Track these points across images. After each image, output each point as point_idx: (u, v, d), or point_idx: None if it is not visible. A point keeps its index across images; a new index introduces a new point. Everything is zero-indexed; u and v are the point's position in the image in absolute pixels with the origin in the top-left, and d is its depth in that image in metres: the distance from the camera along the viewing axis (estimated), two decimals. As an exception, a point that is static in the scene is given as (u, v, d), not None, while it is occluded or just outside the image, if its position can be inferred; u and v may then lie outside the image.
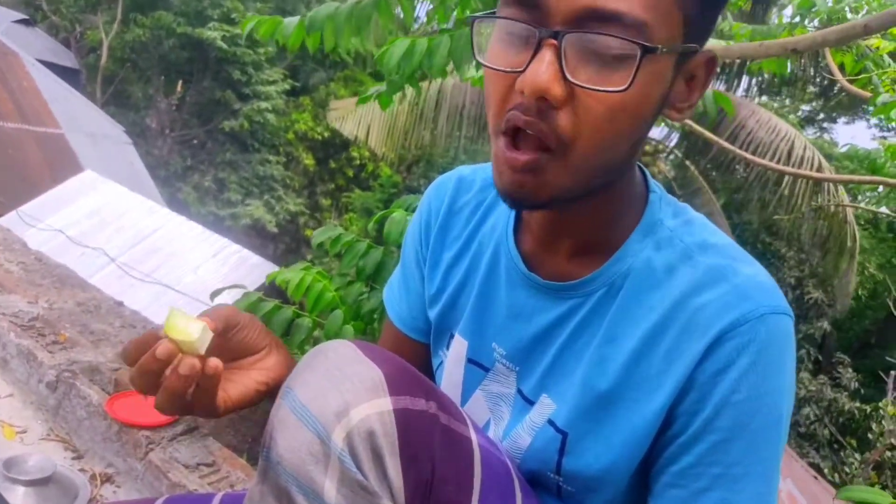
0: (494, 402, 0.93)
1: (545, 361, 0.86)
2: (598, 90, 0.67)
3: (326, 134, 18.15)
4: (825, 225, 7.84)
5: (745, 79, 9.21)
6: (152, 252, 7.92)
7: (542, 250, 0.88)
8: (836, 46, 3.31)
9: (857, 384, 9.52)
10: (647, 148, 8.85)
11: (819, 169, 7.37)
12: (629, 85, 0.66)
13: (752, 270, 0.79)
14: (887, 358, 8.98)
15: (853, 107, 13.71)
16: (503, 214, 0.94)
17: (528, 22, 0.68)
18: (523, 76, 0.68)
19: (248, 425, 2.11)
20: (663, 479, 0.78)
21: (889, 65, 3.59)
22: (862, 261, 9.79)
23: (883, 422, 8.41)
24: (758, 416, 0.74)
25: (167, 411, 0.81)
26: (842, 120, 15.36)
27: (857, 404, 9.29)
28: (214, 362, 0.78)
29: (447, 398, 0.82)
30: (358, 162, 19.13)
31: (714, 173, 9.02)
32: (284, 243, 18.34)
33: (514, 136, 0.72)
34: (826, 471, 8.90)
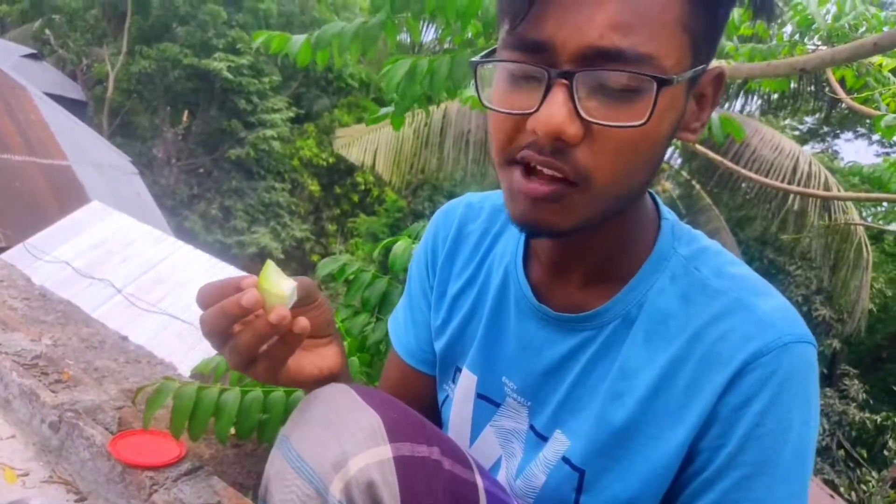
0: (506, 439, 0.90)
1: (558, 396, 0.83)
2: (616, 126, 0.65)
3: (331, 160, 18.24)
4: (835, 241, 7.78)
5: (741, 96, 9.22)
6: (159, 282, 7.92)
7: (553, 280, 0.85)
8: (846, 64, 3.30)
9: (864, 395, 9.41)
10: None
11: (826, 185, 7.34)
12: (648, 118, 0.64)
13: (772, 299, 0.76)
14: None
15: (856, 122, 13.69)
16: (511, 243, 0.92)
17: (534, 63, 0.66)
18: (536, 117, 0.66)
19: (254, 461, 2.08)
20: None
21: (891, 81, 3.58)
22: (872, 276, 9.72)
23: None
24: (784, 450, 0.71)
25: (235, 360, 0.73)
26: (845, 136, 15.33)
27: (868, 415, 9.17)
28: (304, 321, 0.72)
29: (451, 442, 0.80)
30: (363, 187, 19.20)
31: (718, 190, 9.00)
32: (291, 269, 18.35)
33: (528, 166, 0.70)
34: (842, 489, 8.77)
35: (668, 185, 9.51)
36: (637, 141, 0.66)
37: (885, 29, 3.46)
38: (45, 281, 6.05)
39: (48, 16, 17.81)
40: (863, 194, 4.63)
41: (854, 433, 9.08)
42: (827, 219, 7.55)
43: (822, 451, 9.08)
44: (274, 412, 1.76)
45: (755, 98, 9.37)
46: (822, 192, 6.69)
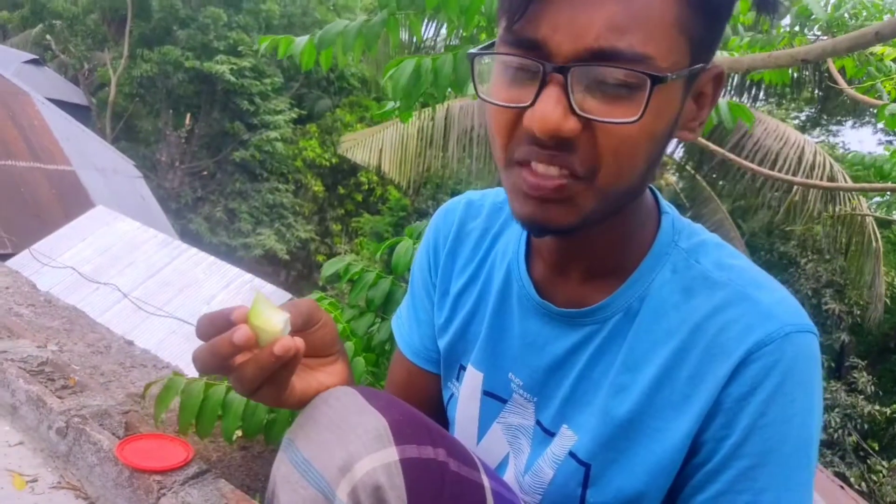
0: (513, 435, 0.90)
1: (563, 391, 0.83)
2: (610, 122, 0.65)
3: (334, 160, 18.26)
4: (844, 231, 7.75)
5: (742, 88, 9.18)
6: (165, 285, 7.95)
7: (555, 276, 0.85)
8: (848, 54, 3.28)
9: (873, 387, 9.37)
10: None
11: (832, 175, 7.30)
12: (641, 115, 0.64)
13: (773, 290, 0.77)
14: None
15: (858, 111, 13.62)
16: (513, 240, 0.92)
17: (532, 59, 0.66)
18: (532, 113, 0.66)
19: (260, 464, 2.09)
20: None
21: (893, 70, 3.56)
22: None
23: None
24: (787, 440, 0.71)
25: (240, 390, 0.74)
26: (848, 124, 15.26)
27: (878, 407, 9.13)
28: (299, 344, 0.72)
29: (456, 442, 0.80)
30: (366, 187, 19.22)
31: (722, 183, 8.97)
32: (296, 270, 18.39)
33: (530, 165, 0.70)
34: (853, 479, 8.74)
35: (670, 177, 9.50)
36: (635, 137, 0.66)
37: (886, 17, 3.45)
38: (51, 287, 6.08)
39: (49, 21, 17.86)
40: (867, 185, 4.61)
41: (865, 425, 9.04)
42: (832, 208, 7.52)
43: (832, 444, 9.05)
44: (280, 412, 1.77)
45: (754, 89, 9.33)
46: (828, 184, 6.66)
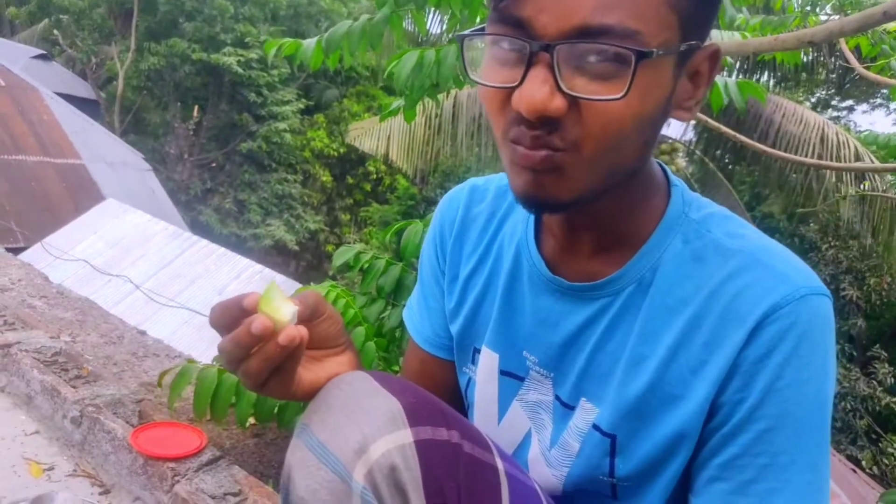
0: (534, 411, 0.90)
1: (578, 365, 0.84)
2: (596, 99, 0.65)
3: (342, 150, 18.26)
4: (874, 210, 7.65)
5: (755, 71, 9.10)
6: (177, 276, 7.99)
7: (564, 252, 0.86)
8: (855, 35, 3.24)
9: (893, 379, 9.29)
10: (664, 146, 8.75)
11: (857, 154, 7.20)
12: (626, 91, 0.64)
13: (785, 254, 0.77)
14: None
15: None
16: (521, 221, 0.92)
17: (518, 37, 0.66)
18: (519, 94, 0.66)
19: (273, 450, 2.10)
20: (706, 472, 0.76)
21: (907, 49, 3.50)
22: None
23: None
24: (803, 402, 0.72)
25: (248, 384, 0.74)
26: (861, 108, 15.10)
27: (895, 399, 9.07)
28: (303, 331, 0.71)
29: (470, 425, 0.80)
30: (374, 176, 19.21)
31: (732, 167, 8.90)
32: (306, 260, 18.44)
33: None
34: (864, 462, 8.71)
35: (681, 162, 9.44)
36: (621, 116, 0.66)
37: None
38: (63, 279, 6.12)
39: (56, 16, 17.88)
40: (891, 165, 4.53)
41: (878, 409, 8.98)
42: (863, 188, 7.44)
43: (845, 429, 9.00)
44: (292, 399, 1.78)
45: (767, 72, 9.24)
46: (858, 165, 6.55)
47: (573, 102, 0.66)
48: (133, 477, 1.73)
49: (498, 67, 0.69)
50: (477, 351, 0.96)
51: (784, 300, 0.72)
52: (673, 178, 0.85)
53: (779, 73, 9.38)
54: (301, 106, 18.67)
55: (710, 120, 3.55)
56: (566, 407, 0.86)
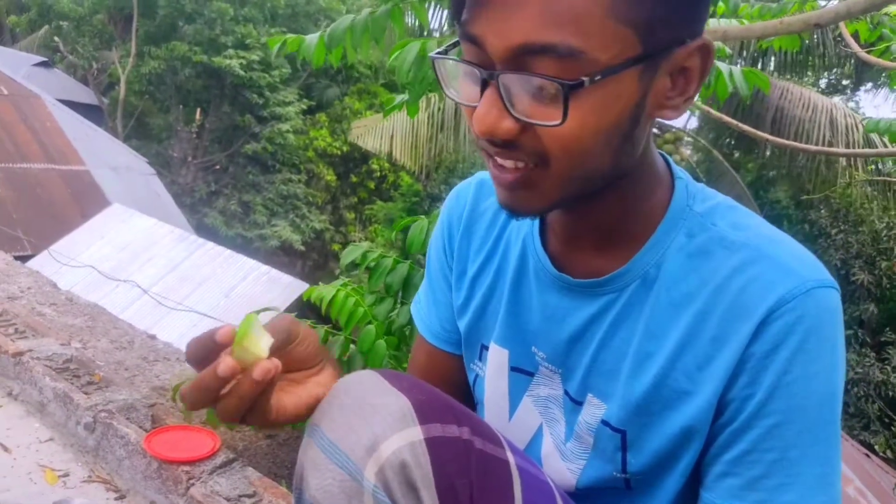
0: (545, 406, 0.91)
1: (585, 361, 0.84)
2: (539, 124, 0.67)
3: (345, 148, 18.24)
4: (881, 194, 7.61)
5: (758, 58, 9.04)
6: (184, 280, 8.02)
7: (569, 249, 0.86)
8: (862, 16, 3.22)
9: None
10: (668, 136, 8.72)
11: (868, 139, 7.15)
12: (563, 119, 0.65)
13: (791, 245, 0.77)
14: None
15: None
16: None
17: (473, 61, 0.68)
18: (474, 116, 0.68)
19: (286, 451, 2.11)
20: (716, 468, 0.76)
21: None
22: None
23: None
24: (812, 396, 0.72)
25: (225, 420, 0.74)
26: (863, 88, 15.01)
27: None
28: (276, 363, 0.72)
29: (480, 421, 0.80)
30: (378, 174, 19.20)
31: (738, 155, 8.86)
32: (312, 260, 18.46)
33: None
34: (877, 447, 8.68)
35: (685, 151, 9.40)
36: (576, 135, 0.67)
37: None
38: (72, 286, 6.15)
39: (56, 23, 17.90)
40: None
41: (890, 393, 8.93)
42: (871, 170, 7.40)
43: (857, 414, 8.97)
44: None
45: (773, 60, 9.18)
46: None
47: (525, 124, 0.67)
48: (148, 481, 1.74)
49: (468, 84, 0.72)
50: (485, 347, 0.96)
51: (790, 294, 0.72)
52: (677, 169, 0.85)
53: (787, 57, 9.30)
54: (303, 106, 18.66)
55: (711, 110, 3.54)
56: (575, 402, 0.86)
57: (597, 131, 0.67)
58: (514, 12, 0.63)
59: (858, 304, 9.80)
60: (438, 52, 0.74)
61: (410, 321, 2.11)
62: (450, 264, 1.01)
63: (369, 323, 2.15)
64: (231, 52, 16.87)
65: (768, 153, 8.62)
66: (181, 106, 18.29)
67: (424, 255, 1.22)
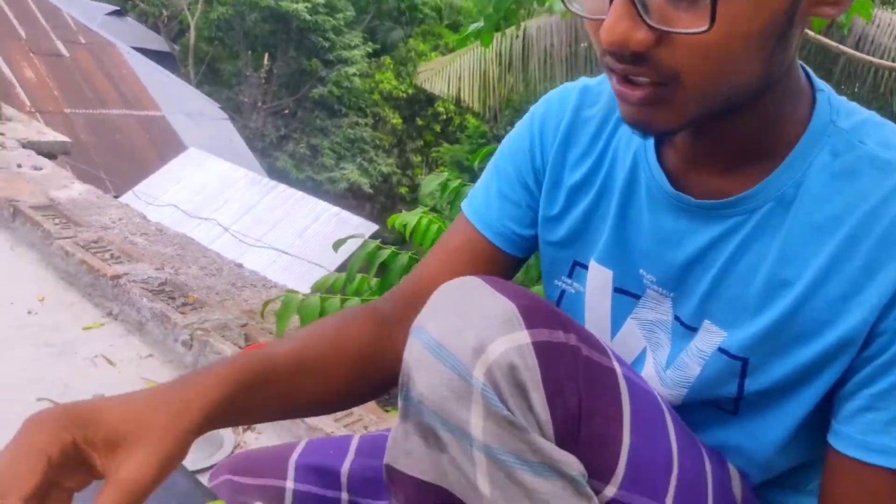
0: (649, 330, 0.86)
1: (703, 286, 0.78)
2: (681, 32, 0.60)
3: (411, 91, 18.16)
4: None
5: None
6: (259, 220, 8.22)
7: (691, 167, 0.79)
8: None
9: None
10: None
11: None
12: (710, 25, 0.58)
13: None
14: None
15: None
16: None
17: None
18: (603, 27, 0.62)
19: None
20: (856, 402, 0.71)
21: None
22: None
23: None
24: None
25: None
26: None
27: None
28: None
29: (585, 329, 0.77)
30: (444, 116, 19.09)
31: (843, 86, 8.36)
32: (380, 203, 18.65)
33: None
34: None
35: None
36: (719, 45, 0.60)
37: None
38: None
39: (126, -29, 18.21)
40: None
41: None
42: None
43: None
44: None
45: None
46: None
47: (662, 34, 0.61)
48: (244, 395, 1.81)
49: None
50: (579, 265, 0.91)
51: None
52: (818, 82, 0.76)
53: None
54: (368, 49, 18.60)
55: (810, 32, 3.33)
56: (687, 328, 0.82)
57: (747, 36, 0.61)
58: None
59: None
60: None
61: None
62: (536, 171, 0.94)
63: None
64: (296, -6, 16.87)
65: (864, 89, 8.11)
66: (249, 52, 18.47)
67: None
